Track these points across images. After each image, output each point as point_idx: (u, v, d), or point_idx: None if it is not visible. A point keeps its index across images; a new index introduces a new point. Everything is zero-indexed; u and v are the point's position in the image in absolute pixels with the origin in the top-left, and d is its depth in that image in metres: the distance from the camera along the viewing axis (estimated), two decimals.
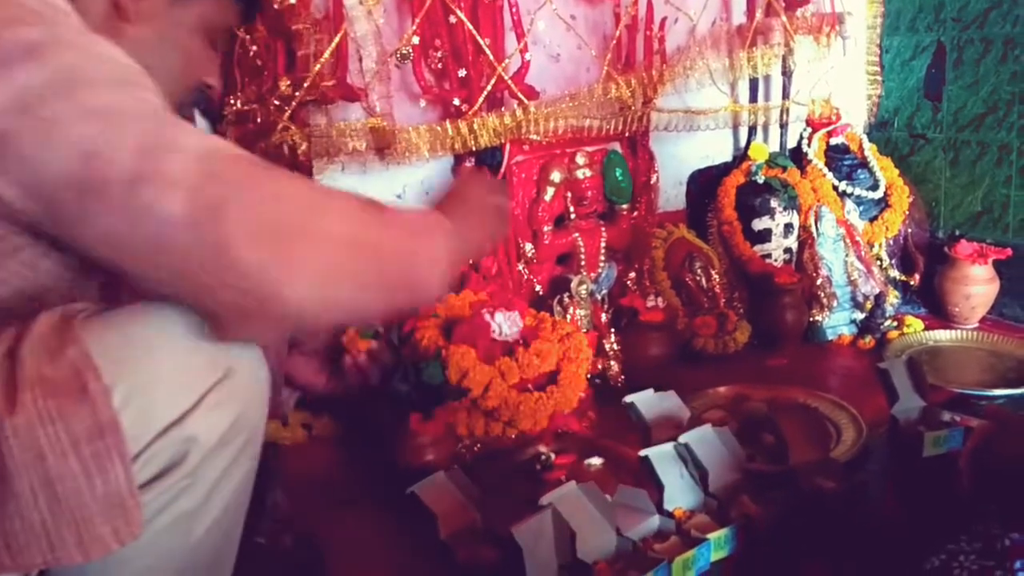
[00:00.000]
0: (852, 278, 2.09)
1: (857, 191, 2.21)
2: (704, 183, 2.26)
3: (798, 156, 2.27)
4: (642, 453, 1.26)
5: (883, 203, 2.23)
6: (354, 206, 0.89)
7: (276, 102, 1.61)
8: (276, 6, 1.57)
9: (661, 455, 1.26)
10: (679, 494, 1.25)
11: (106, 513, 0.80)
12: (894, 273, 2.23)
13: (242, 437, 0.92)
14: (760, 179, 2.15)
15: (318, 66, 1.61)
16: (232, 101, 1.63)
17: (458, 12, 1.72)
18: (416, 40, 1.73)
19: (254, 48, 1.60)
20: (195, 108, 1.15)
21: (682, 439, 1.26)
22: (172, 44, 1.03)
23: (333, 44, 1.63)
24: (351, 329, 1.10)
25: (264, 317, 0.83)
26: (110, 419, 0.80)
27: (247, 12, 1.14)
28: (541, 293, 1.95)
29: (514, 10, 1.80)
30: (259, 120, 1.63)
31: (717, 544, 1.17)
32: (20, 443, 0.77)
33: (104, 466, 0.80)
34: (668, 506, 1.23)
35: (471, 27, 1.74)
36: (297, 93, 1.61)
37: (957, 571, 1.00)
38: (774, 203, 2.11)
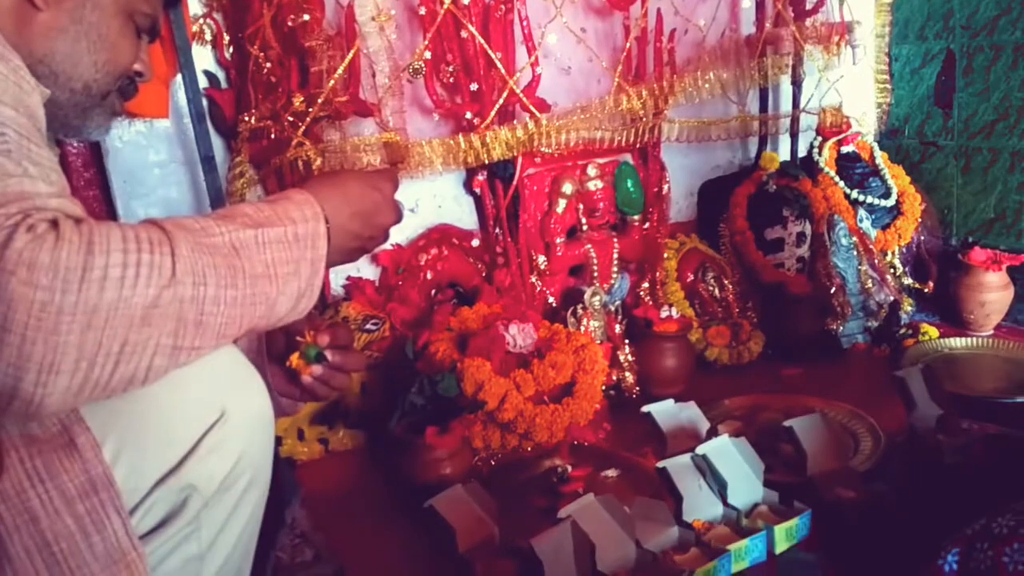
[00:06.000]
0: (866, 286, 2.08)
1: (869, 199, 2.21)
2: (715, 193, 2.27)
3: (809, 165, 2.27)
4: (660, 465, 1.26)
5: (895, 211, 2.23)
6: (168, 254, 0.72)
7: (290, 118, 1.62)
8: (290, 23, 1.59)
9: (679, 466, 1.25)
10: (698, 506, 1.24)
11: (109, 569, 0.78)
12: (908, 281, 2.22)
13: (246, 477, 0.89)
14: (772, 188, 2.15)
15: (332, 82, 1.62)
16: (246, 118, 1.64)
17: (469, 26, 1.73)
18: (428, 55, 1.74)
19: (268, 65, 1.62)
20: (125, 98, 1.05)
21: (699, 450, 1.26)
22: (89, 30, 0.95)
23: (346, 60, 1.64)
24: (293, 356, 1.05)
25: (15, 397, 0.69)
26: (102, 474, 0.78)
27: None
28: (554, 305, 1.95)
29: (525, 24, 1.81)
30: (273, 136, 1.64)
31: (737, 555, 1.16)
32: (10, 507, 0.74)
33: (101, 522, 0.77)
34: (687, 518, 1.23)
35: (482, 41, 1.75)
36: (311, 109, 1.62)
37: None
38: (786, 212, 2.12)
